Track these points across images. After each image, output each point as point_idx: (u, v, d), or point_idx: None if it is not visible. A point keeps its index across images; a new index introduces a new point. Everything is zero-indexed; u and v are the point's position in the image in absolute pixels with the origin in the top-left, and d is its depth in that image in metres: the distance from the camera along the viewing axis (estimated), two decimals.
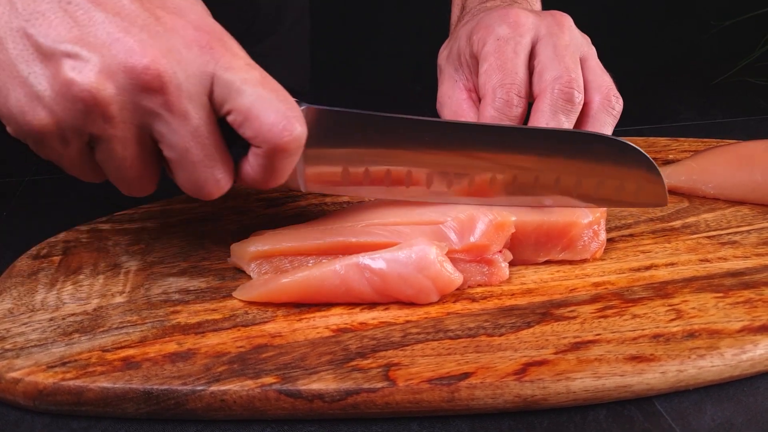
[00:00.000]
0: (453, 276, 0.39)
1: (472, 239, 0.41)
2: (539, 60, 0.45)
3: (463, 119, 0.47)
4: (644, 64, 0.93)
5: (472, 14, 0.52)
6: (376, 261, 0.39)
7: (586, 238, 0.43)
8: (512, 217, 0.41)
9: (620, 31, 1.01)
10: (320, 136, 0.39)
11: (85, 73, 0.31)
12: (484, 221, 0.41)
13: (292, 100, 0.36)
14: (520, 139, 0.41)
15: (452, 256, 0.41)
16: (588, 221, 0.43)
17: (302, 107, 0.38)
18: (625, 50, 0.98)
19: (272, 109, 0.35)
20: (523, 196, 0.43)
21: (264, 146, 0.35)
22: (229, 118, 0.35)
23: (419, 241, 0.39)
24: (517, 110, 0.44)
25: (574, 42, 0.46)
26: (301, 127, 0.35)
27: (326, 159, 0.41)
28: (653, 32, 1.04)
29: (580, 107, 0.44)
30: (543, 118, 0.43)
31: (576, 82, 0.43)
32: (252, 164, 0.36)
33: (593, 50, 0.47)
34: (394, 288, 0.39)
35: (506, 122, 0.44)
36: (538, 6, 0.55)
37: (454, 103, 0.48)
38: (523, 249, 0.43)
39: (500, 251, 0.42)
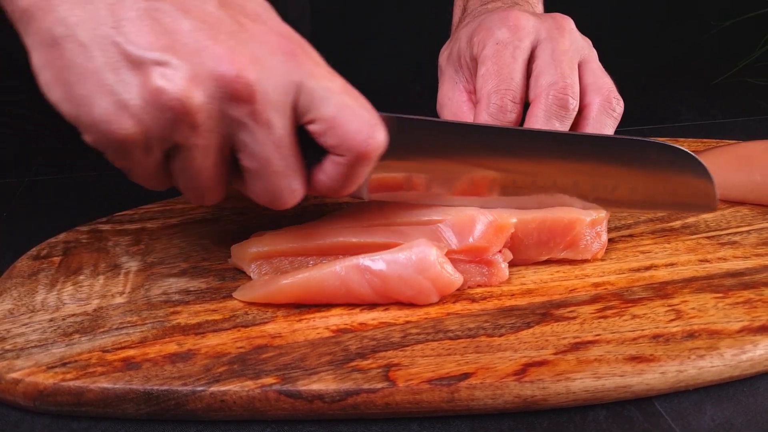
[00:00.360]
0: (453, 277, 0.39)
1: (470, 240, 0.41)
2: (537, 64, 0.45)
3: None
4: (644, 65, 0.93)
5: (473, 16, 0.52)
6: (376, 262, 0.39)
7: (588, 238, 0.43)
8: (512, 218, 0.41)
9: (621, 32, 1.01)
10: (391, 142, 0.39)
11: (175, 82, 0.31)
12: (484, 222, 0.41)
13: (372, 109, 0.36)
14: (582, 145, 0.42)
15: (451, 257, 0.41)
16: (591, 219, 0.43)
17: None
18: (625, 51, 0.98)
19: (357, 118, 0.34)
20: (585, 201, 0.43)
21: (348, 154, 0.35)
22: (312, 127, 0.35)
23: (419, 242, 0.39)
24: (511, 116, 0.44)
25: (573, 46, 0.45)
26: (383, 135, 0.35)
27: (389, 166, 0.41)
28: (653, 33, 1.04)
29: (575, 113, 0.44)
30: (537, 123, 0.43)
31: (571, 88, 0.43)
32: (329, 172, 0.36)
33: (594, 53, 0.47)
34: (394, 289, 0.39)
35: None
36: (540, 8, 0.55)
37: (454, 104, 0.49)
38: (526, 247, 0.43)
39: (500, 251, 0.42)
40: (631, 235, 0.47)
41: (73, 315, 0.40)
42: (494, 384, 0.34)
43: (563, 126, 0.44)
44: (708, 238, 0.47)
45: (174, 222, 0.50)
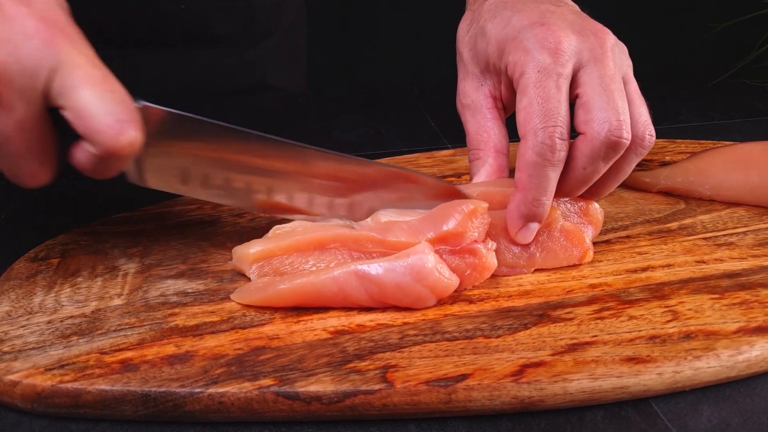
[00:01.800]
0: (450, 281, 0.40)
1: (444, 228, 0.41)
2: (584, 91, 0.41)
3: (487, 136, 0.46)
4: (642, 66, 0.93)
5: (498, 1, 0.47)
6: (373, 270, 0.39)
7: (557, 236, 0.43)
8: (484, 203, 0.41)
9: (619, 33, 1.01)
10: (158, 133, 0.40)
11: None
12: (457, 210, 0.41)
13: (130, 103, 0.36)
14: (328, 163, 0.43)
15: (435, 249, 0.40)
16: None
17: (140, 105, 0.38)
18: None
19: (106, 112, 0.35)
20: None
21: (96, 147, 0.35)
22: (63, 113, 0.35)
23: (417, 249, 0.39)
24: (560, 155, 0.40)
25: (617, 66, 0.42)
26: (135, 132, 0.35)
27: (164, 157, 0.41)
28: (651, 34, 1.04)
29: (623, 152, 0.41)
30: (581, 161, 0.41)
31: (625, 125, 0.40)
32: (82, 155, 0.36)
33: (630, 65, 0.44)
34: (391, 296, 0.39)
35: (547, 167, 0.40)
36: None
37: (479, 111, 0.46)
38: (508, 254, 0.43)
39: (483, 241, 0.42)
40: (627, 237, 0.47)
41: (71, 317, 0.40)
42: (491, 385, 0.34)
43: (606, 166, 0.41)
44: (705, 239, 0.47)
45: (172, 224, 0.50)
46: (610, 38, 0.43)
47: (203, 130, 0.41)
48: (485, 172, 0.46)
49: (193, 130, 0.41)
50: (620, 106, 0.40)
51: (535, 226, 0.42)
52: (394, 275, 0.39)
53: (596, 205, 0.45)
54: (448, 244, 0.41)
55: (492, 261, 0.42)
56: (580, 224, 0.44)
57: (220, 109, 0.76)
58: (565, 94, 0.41)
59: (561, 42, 0.41)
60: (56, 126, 0.36)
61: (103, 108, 0.34)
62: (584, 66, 0.42)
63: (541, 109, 0.40)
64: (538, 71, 0.41)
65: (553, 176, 0.41)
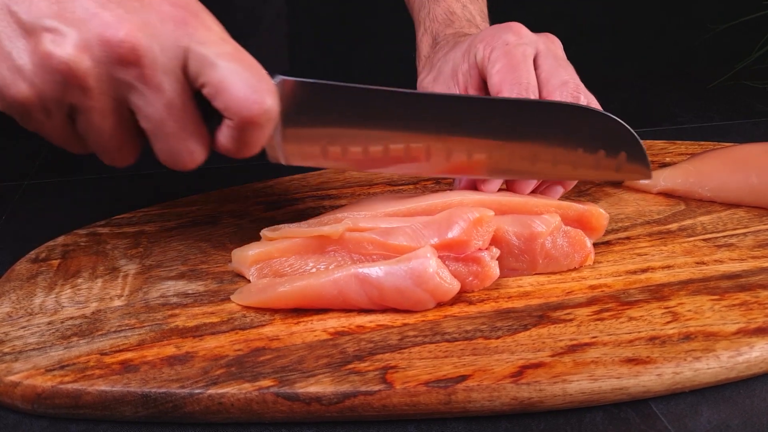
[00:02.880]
0: (451, 286, 0.39)
1: (450, 235, 0.40)
2: (543, 69, 0.46)
3: None
4: (642, 68, 0.93)
5: (447, 43, 0.53)
6: (374, 273, 0.39)
7: (561, 243, 0.43)
8: (490, 212, 0.41)
9: (618, 35, 1.01)
10: (298, 108, 0.40)
11: (63, 47, 0.33)
12: (463, 217, 0.40)
13: (264, 74, 0.37)
14: (501, 109, 0.43)
15: (438, 255, 0.40)
16: (545, 230, 0.42)
17: (277, 80, 0.38)
18: (623, 54, 0.98)
19: (243, 82, 0.35)
20: (505, 171, 0.44)
21: (235, 118, 0.36)
22: (204, 91, 0.36)
23: (419, 253, 0.39)
24: None
25: (566, 58, 0.48)
26: (272, 100, 0.36)
27: (305, 131, 0.41)
28: (651, 36, 1.04)
29: None
30: None
31: (581, 87, 0.45)
32: (225, 135, 0.37)
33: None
34: (390, 300, 0.39)
35: None
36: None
37: None
38: (510, 259, 0.43)
39: (486, 248, 0.41)
40: (627, 238, 0.47)
41: (71, 318, 0.40)
42: (491, 386, 0.34)
43: None
44: (704, 240, 0.47)
45: (172, 225, 0.50)
46: (559, 42, 0.49)
47: (344, 95, 0.41)
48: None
49: (333, 97, 0.41)
50: (573, 74, 0.46)
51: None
52: (394, 279, 0.39)
53: (600, 210, 0.44)
54: (451, 251, 0.41)
55: (495, 270, 0.41)
56: (582, 230, 0.44)
57: None
58: (530, 63, 0.46)
59: (521, 29, 0.48)
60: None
61: (238, 79, 0.35)
62: (541, 52, 0.47)
63: (513, 69, 0.45)
64: (506, 44, 0.46)
65: None
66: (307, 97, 0.40)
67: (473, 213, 0.40)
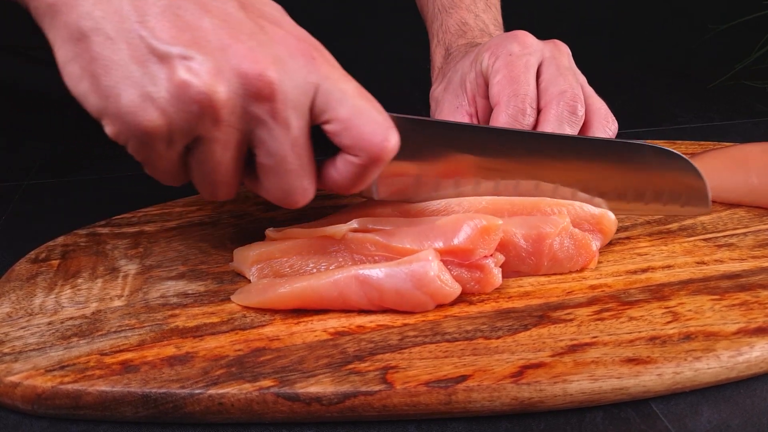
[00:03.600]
0: (451, 289, 0.39)
1: (455, 242, 0.40)
2: (544, 78, 0.47)
3: None
4: (642, 68, 0.93)
5: (459, 54, 0.54)
6: (374, 275, 0.39)
7: (567, 245, 0.43)
8: (499, 221, 0.40)
9: (619, 34, 1.01)
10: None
11: (201, 76, 0.32)
12: (470, 225, 0.40)
13: (385, 112, 0.37)
14: (580, 148, 0.44)
15: (441, 259, 0.40)
16: (554, 230, 0.42)
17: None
18: (623, 54, 0.98)
19: (372, 120, 0.35)
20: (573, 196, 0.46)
21: (362, 155, 0.36)
22: (327, 127, 0.36)
23: (421, 256, 0.39)
24: (529, 119, 0.46)
25: (572, 66, 0.48)
26: (397, 137, 0.36)
27: (398, 166, 0.42)
28: (651, 36, 1.04)
29: (583, 120, 0.46)
30: (549, 128, 0.45)
31: (579, 97, 0.46)
32: (341, 170, 0.37)
33: (584, 79, 0.49)
34: (389, 301, 0.39)
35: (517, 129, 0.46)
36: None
37: None
38: (516, 262, 0.43)
39: (491, 255, 0.41)
40: (628, 238, 0.47)
41: (71, 318, 0.40)
42: (491, 386, 0.34)
43: (573, 130, 0.46)
44: (705, 240, 0.47)
45: (172, 225, 0.50)
46: (566, 48, 0.49)
47: (432, 130, 0.42)
48: None
49: (423, 132, 0.42)
50: (573, 83, 0.46)
51: None
52: (394, 281, 0.38)
53: (611, 215, 0.44)
54: (456, 257, 0.40)
55: (497, 278, 0.41)
56: (591, 232, 0.44)
57: None
58: (532, 74, 0.47)
59: (527, 38, 0.49)
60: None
61: (366, 116, 0.35)
62: (545, 60, 0.48)
63: (514, 82, 0.46)
64: (509, 55, 0.47)
65: None
66: (407, 131, 0.40)
67: (481, 221, 0.40)
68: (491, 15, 0.60)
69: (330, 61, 0.36)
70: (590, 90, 0.48)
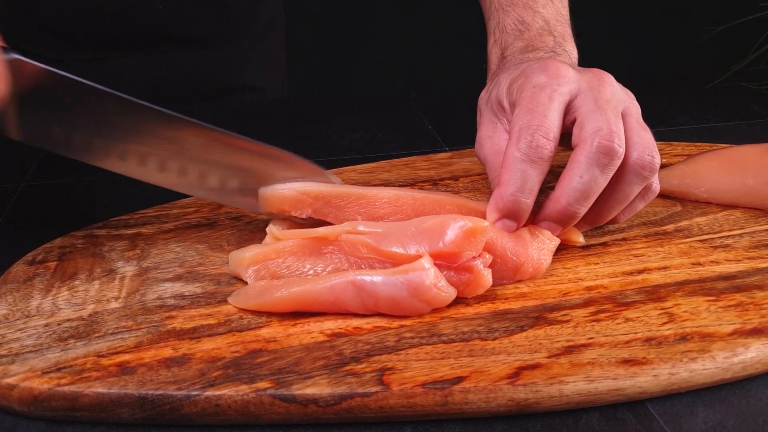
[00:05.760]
0: (447, 295, 0.39)
1: (440, 245, 0.40)
2: (580, 112, 0.43)
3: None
4: (639, 69, 0.94)
5: (513, 63, 0.51)
6: (370, 282, 0.39)
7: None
8: (485, 222, 0.40)
9: (616, 36, 1.01)
10: (33, 89, 0.41)
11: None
12: (454, 228, 0.40)
13: None
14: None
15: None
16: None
17: (10, 57, 0.39)
18: (620, 55, 0.98)
19: None
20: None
21: None
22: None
23: (415, 266, 0.38)
24: (542, 152, 0.42)
25: (615, 97, 0.44)
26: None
27: (36, 112, 0.42)
28: (648, 37, 1.05)
29: (619, 162, 0.42)
30: (577, 170, 0.41)
31: (617, 135, 0.41)
32: None
33: (637, 106, 0.45)
34: (385, 308, 0.39)
35: (526, 162, 0.42)
36: (575, 57, 0.53)
37: (494, 143, 0.47)
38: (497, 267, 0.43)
39: (479, 255, 0.40)
40: (624, 239, 0.48)
41: (68, 320, 0.40)
42: (488, 387, 0.34)
43: (603, 176, 0.42)
44: (701, 241, 0.47)
45: (169, 227, 0.50)
46: (609, 78, 0.45)
47: (77, 90, 0.42)
48: None
49: (68, 90, 0.42)
50: (612, 119, 0.42)
51: (510, 224, 0.43)
52: (390, 288, 0.38)
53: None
54: (443, 260, 0.40)
55: (488, 279, 0.41)
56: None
57: (205, 111, 0.76)
58: (556, 105, 0.43)
59: (559, 69, 0.44)
60: None
61: None
62: (581, 93, 0.44)
63: (529, 113, 0.42)
64: (534, 87, 0.44)
65: (534, 175, 0.42)
66: (36, 80, 0.40)
67: (467, 223, 0.40)
68: (553, 10, 0.54)
69: None
70: (635, 120, 0.44)
